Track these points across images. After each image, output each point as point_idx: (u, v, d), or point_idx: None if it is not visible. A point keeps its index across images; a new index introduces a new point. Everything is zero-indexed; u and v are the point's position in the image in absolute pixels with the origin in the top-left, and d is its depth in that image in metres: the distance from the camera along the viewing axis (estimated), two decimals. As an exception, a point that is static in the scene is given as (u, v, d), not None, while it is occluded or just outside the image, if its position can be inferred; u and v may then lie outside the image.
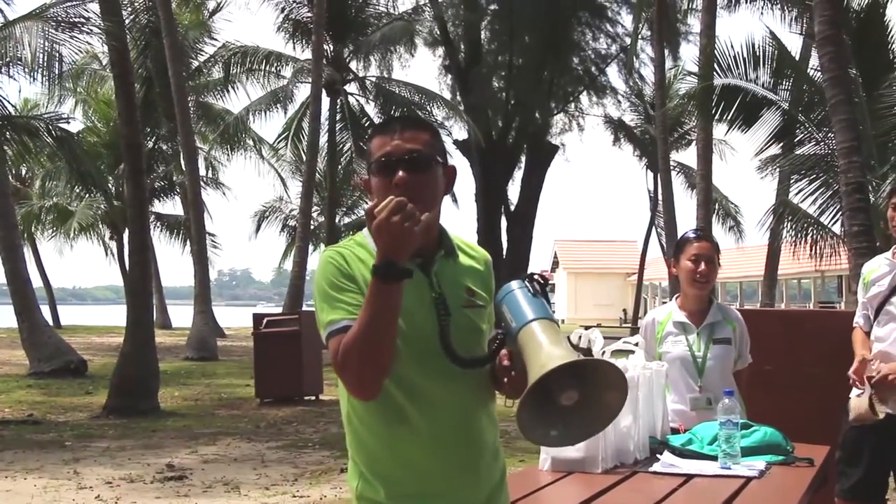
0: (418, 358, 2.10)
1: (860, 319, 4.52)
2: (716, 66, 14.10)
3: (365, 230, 2.25)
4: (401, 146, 2.15)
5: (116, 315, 36.00)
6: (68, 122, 18.59)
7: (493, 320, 2.28)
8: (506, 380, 2.16)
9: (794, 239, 15.28)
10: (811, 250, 14.91)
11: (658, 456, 3.69)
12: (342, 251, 2.17)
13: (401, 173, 2.12)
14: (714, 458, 3.56)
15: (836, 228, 14.18)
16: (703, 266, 4.29)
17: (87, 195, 28.19)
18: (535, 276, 2.17)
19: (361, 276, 2.12)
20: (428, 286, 2.14)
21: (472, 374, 2.18)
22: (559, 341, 2.00)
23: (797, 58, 16.38)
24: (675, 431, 4.00)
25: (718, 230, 31.46)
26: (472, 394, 2.19)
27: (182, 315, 34.76)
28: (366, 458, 2.17)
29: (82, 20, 13.63)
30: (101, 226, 31.56)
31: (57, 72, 13.86)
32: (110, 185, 30.60)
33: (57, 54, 13.47)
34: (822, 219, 14.48)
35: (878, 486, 4.41)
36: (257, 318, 14.05)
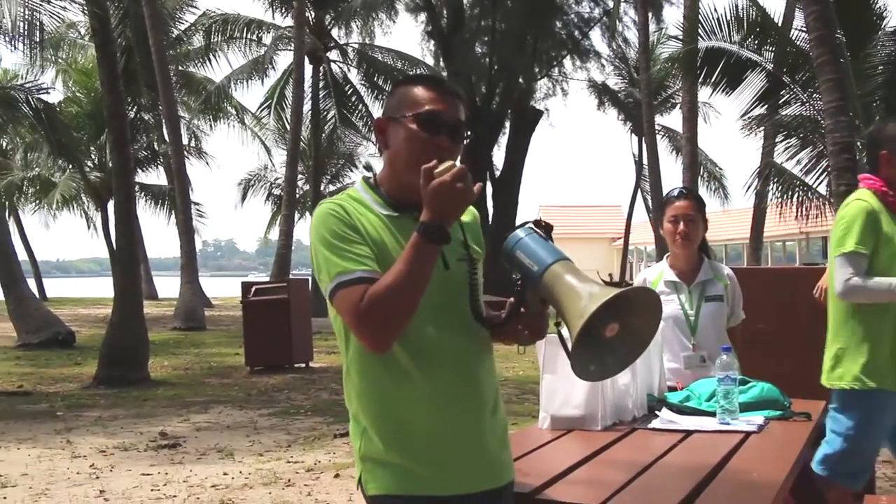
0: (426, 313, 2.07)
1: None
2: (700, 29, 14.04)
3: (358, 184, 2.25)
4: (452, 111, 2.15)
5: (102, 287, 35.90)
6: (48, 93, 18.39)
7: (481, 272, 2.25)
8: (520, 326, 2.15)
9: (779, 200, 15.28)
10: (797, 211, 14.93)
11: (657, 413, 3.70)
12: (342, 203, 2.14)
13: (449, 140, 2.13)
14: (712, 414, 3.56)
15: (822, 189, 14.21)
16: (682, 226, 4.31)
17: (70, 167, 27.94)
18: (540, 222, 2.15)
19: (363, 228, 2.10)
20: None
21: (475, 328, 2.16)
22: (588, 279, 1.99)
23: (781, 19, 16.30)
24: (672, 389, 4.02)
25: (704, 193, 31.53)
26: (474, 348, 2.17)
27: (168, 286, 34.69)
28: (368, 416, 2.13)
29: (62, -12, 13.42)
30: (84, 197, 31.26)
31: (38, 40, 13.68)
32: (93, 156, 30.36)
33: (38, 22, 13.29)
34: (807, 179, 14.50)
35: None
36: (245, 286, 14.01)
